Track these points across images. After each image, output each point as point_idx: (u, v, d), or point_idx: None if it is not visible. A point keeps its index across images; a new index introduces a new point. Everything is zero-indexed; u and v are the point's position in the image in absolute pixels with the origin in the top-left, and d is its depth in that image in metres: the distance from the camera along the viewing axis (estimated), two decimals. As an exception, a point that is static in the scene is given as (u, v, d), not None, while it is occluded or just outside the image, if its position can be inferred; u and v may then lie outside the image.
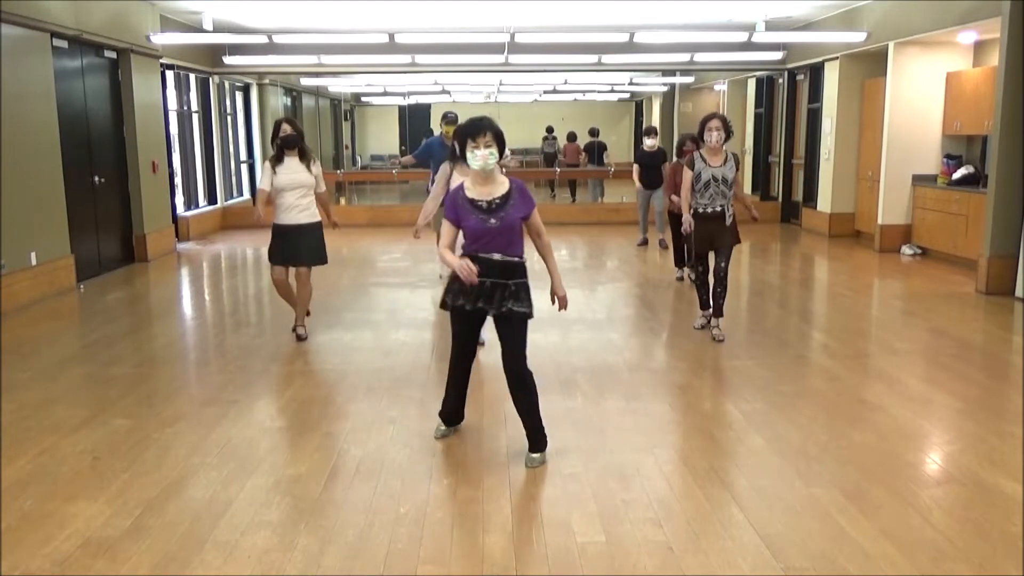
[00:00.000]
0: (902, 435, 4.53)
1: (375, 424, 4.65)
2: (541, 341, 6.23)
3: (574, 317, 7.67)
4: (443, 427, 4.46)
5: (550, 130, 19.54)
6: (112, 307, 8.19)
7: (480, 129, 3.88)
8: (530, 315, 4.01)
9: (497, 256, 3.92)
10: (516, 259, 3.97)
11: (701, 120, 6.37)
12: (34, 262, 8.03)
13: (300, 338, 6.49)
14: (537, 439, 4.11)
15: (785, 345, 6.48)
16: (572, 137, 18.20)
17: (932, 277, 9.21)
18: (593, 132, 17.38)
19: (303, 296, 6.52)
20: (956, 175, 10.08)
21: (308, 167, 6.28)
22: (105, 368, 5.85)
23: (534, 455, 4.07)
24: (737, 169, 6.35)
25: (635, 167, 10.94)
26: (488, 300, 3.95)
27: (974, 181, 9.78)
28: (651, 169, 10.62)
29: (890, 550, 3.22)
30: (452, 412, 4.45)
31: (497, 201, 3.93)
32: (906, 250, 10.66)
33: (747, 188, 16.34)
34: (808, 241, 12.26)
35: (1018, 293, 7.91)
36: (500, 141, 3.91)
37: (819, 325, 7.37)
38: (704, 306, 6.68)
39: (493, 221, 3.90)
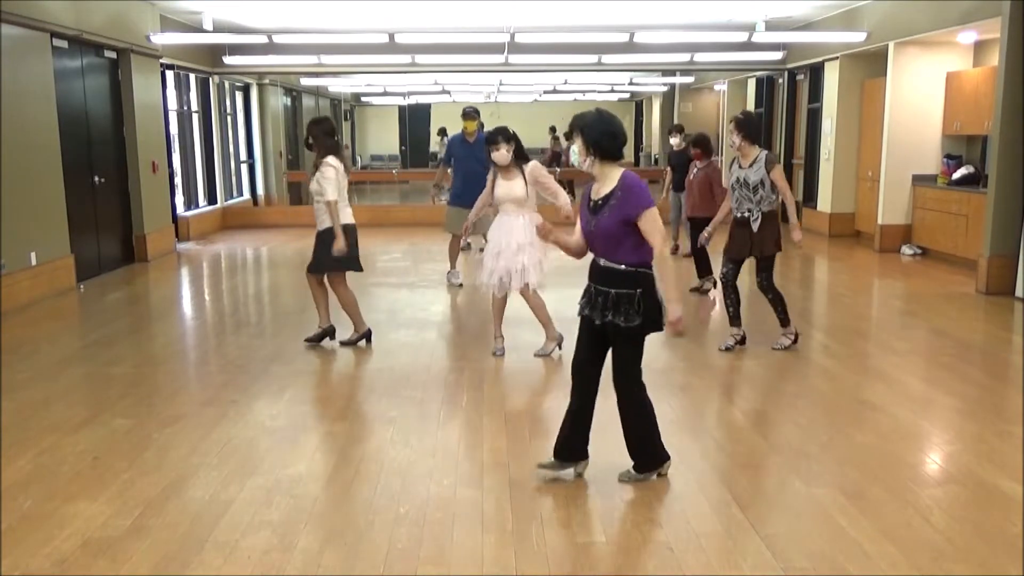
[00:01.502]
0: (902, 435, 4.53)
1: (375, 424, 4.65)
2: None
3: (574, 316, 7.65)
4: (549, 459, 3.89)
5: (553, 130, 19.47)
6: (112, 307, 8.19)
7: (570, 128, 3.74)
8: (635, 331, 3.63)
9: (602, 261, 3.66)
10: (620, 267, 3.60)
11: None
12: (34, 262, 8.02)
13: (320, 337, 6.35)
14: (636, 456, 3.85)
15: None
16: (568, 135, 18.08)
17: (932, 277, 9.21)
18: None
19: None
20: (956, 175, 10.08)
21: (313, 174, 6.03)
22: (105, 368, 5.85)
23: (629, 471, 3.85)
24: (769, 171, 5.82)
25: (667, 170, 10.41)
26: (593, 307, 3.69)
27: (974, 181, 9.77)
28: (682, 169, 9.70)
29: (890, 550, 3.22)
30: (561, 443, 3.88)
31: (600, 202, 3.64)
32: (906, 250, 10.66)
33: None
34: (808, 241, 12.17)
35: (1018, 293, 7.91)
36: (585, 135, 3.61)
37: (819, 325, 7.37)
38: (734, 322, 6.16)
39: (593, 224, 3.65)
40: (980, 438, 4.45)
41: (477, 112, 8.74)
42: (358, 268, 6.27)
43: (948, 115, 10.45)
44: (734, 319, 6.16)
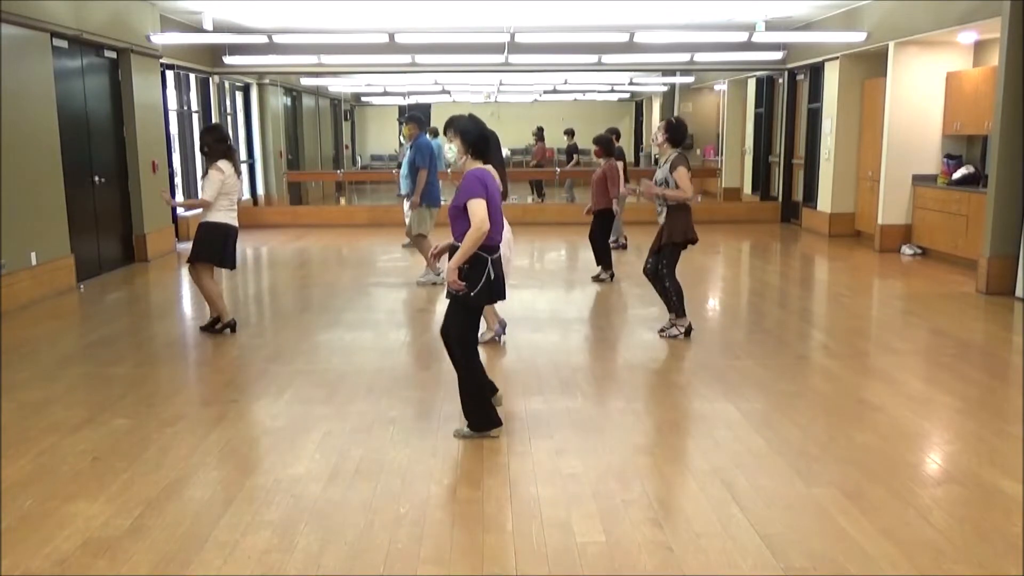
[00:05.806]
0: (902, 435, 4.53)
1: (375, 424, 4.65)
2: (541, 341, 6.24)
3: (573, 317, 7.67)
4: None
5: (540, 131, 18.88)
6: (112, 307, 8.19)
7: (446, 128, 4.42)
8: (459, 298, 4.21)
9: (453, 239, 4.27)
10: (458, 244, 4.22)
11: None
12: (34, 262, 8.03)
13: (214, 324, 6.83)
14: (467, 415, 4.41)
15: (785, 345, 6.48)
16: (540, 136, 17.96)
17: (932, 277, 9.21)
18: (569, 132, 16.91)
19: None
20: (956, 175, 10.08)
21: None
22: (105, 368, 5.85)
23: (462, 428, 4.42)
24: (672, 171, 6.10)
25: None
26: None
27: (974, 181, 9.78)
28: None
29: (890, 550, 3.22)
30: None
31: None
32: (906, 250, 10.66)
33: (747, 188, 16.35)
34: (808, 241, 12.26)
35: (1018, 293, 7.91)
36: (465, 138, 4.28)
37: (819, 325, 7.37)
38: (673, 311, 6.44)
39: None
40: (980, 438, 4.45)
41: (411, 118, 9.06)
42: (231, 266, 6.82)
43: (948, 115, 10.45)
44: (671, 308, 6.43)
